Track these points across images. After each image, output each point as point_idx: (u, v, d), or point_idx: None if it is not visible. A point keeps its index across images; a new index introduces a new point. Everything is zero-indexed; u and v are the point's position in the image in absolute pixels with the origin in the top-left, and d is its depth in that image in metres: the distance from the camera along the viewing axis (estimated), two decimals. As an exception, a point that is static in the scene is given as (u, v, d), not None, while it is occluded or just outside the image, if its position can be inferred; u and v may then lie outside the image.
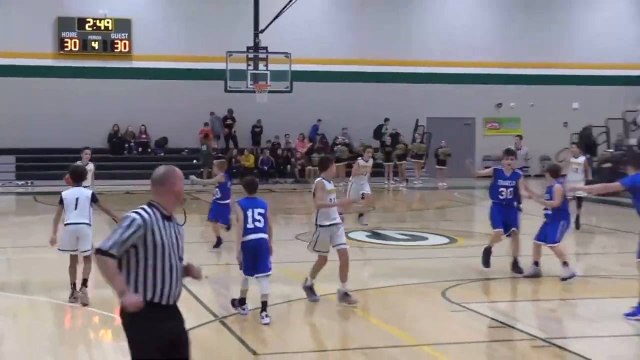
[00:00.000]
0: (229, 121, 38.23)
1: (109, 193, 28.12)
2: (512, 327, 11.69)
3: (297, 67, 32.83)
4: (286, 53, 31.78)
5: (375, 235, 21.35)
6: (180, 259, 6.81)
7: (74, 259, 12.29)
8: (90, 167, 18.76)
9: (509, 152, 15.80)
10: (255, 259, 11.77)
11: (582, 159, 23.04)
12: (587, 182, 22.17)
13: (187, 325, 10.88)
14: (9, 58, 35.59)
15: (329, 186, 12.83)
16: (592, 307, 13.48)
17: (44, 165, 33.77)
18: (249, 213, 11.67)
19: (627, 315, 12.21)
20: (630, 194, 12.73)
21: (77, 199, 12.00)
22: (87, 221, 12.19)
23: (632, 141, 35.54)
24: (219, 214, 18.10)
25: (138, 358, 6.53)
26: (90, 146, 35.49)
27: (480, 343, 10.93)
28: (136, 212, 6.59)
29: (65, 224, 12.12)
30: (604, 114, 37.44)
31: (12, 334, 11.15)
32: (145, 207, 6.68)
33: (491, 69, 40.92)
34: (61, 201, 12.10)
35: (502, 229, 15.10)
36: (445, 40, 40.30)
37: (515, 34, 41.12)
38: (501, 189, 15.03)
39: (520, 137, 30.14)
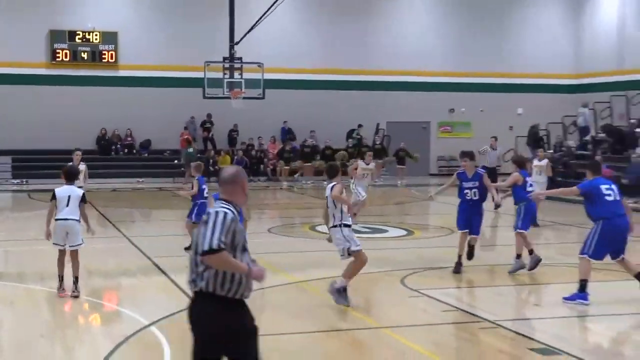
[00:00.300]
0: (207, 125, 38.10)
1: (97, 191, 28.13)
2: (464, 311, 11.79)
3: (268, 75, 32.76)
4: (259, 63, 31.77)
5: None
6: None
7: (62, 253, 11.97)
8: (82, 167, 18.44)
9: (463, 155, 15.08)
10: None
11: (545, 161, 22.71)
12: (552, 183, 22.26)
13: (171, 310, 11.02)
14: (6, 67, 35.35)
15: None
16: (537, 293, 13.66)
17: (38, 165, 33.57)
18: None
19: (566, 299, 12.43)
20: (584, 198, 12.75)
21: (69, 197, 11.78)
22: (77, 218, 11.91)
23: (571, 142, 35.87)
24: (201, 212, 17.12)
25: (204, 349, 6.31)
26: (81, 148, 35.75)
27: (435, 325, 10.93)
28: (223, 209, 6.35)
29: (56, 219, 11.84)
30: (545, 119, 37.87)
31: (10, 320, 11.09)
32: (224, 204, 6.43)
33: (445, 77, 41.02)
34: (54, 197, 11.82)
35: (466, 230, 14.46)
36: (404, 52, 40.37)
37: (467, 46, 41.26)
38: (465, 190, 14.43)
39: (495, 138, 29.95)
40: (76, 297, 11.76)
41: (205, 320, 6.27)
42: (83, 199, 12.01)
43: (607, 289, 13.40)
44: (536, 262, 14.36)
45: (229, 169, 6.85)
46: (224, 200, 6.52)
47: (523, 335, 10.41)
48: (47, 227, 12.05)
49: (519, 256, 14.47)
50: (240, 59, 31.73)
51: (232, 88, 31.63)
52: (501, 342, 10.15)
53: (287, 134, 39.24)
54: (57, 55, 36.31)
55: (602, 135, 34.07)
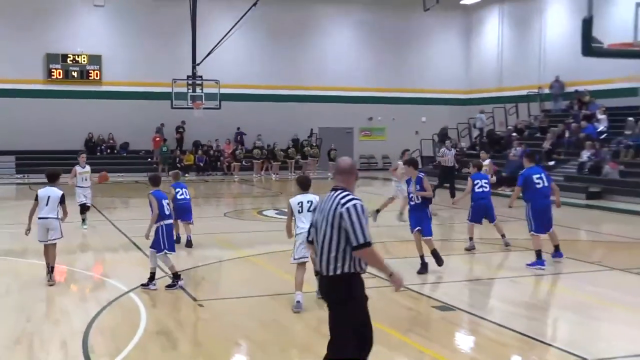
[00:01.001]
0: (180, 129, 37.71)
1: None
2: (380, 277, 11.51)
3: (224, 90, 32.62)
4: (216, 80, 31.65)
5: (282, 212, 21.42)
6: None
7: (47, 248, 11.13)
8: (87, 169, 17.42)
9: (406, 163, 13.34)
10: (171, 238, 10.84)
11: (487, 161, 20.79)
12: (498, 180, 21.73)
13: (145, 279, 10.93)
14: (10, 83, 34.75)
15: None
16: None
17: (37, 163, 32.92)
18: (164, 202, 10.75)
19: (528, 265, 12.61)
20: (523, 189, 13.02)
21: (48, 197, 10.98)
22: (55, 216, 11.02)
23: (463, 143, 36.32)
24: (179, 214, 14.70)
25: (353, 323, 5.71)
26: (71, 149, 35.53)
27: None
28: (356, 200, 5.69)
29: (38, 218, 10.98)
30: (443, 125, 38.18)
31: (14, 287, 11.01)
32: (349, 194, 5.77)
33: (364, 92, 41.03)
34: (36, 198, 11.04)
35: (418, 229, 12.12)
36: (331, 72, 40.35)
37: (381, 67, 41.33)
38: (410, 195, 12.18)
39: (450, 140, 27.90)
40: (52, 285, 10.84)
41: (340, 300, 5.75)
42: (62, 200, 11.13)
43: (495, 259, 13.77)
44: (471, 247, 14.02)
45: (346, 160, 6.19)
46: (341, 187, 5.90)
47: (427, 295, 10.66)
48: (29, 223, 11.08)
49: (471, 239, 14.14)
50: (200, 77, 31.61)
51: (194, 100, 31.54)
52: (409, 302, 10.25)
53: (238, 138, 39.13)
54: (52, 73, 35.73)
55: (485, 139, 34.75)
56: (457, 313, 9.66)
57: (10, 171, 33.78)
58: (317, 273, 8.45)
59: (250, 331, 8.79)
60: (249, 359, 7.85)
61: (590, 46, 9.45)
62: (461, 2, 40.93)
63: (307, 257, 9.53)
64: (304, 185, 10.38)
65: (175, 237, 13.00)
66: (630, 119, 28.35)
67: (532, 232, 12.81)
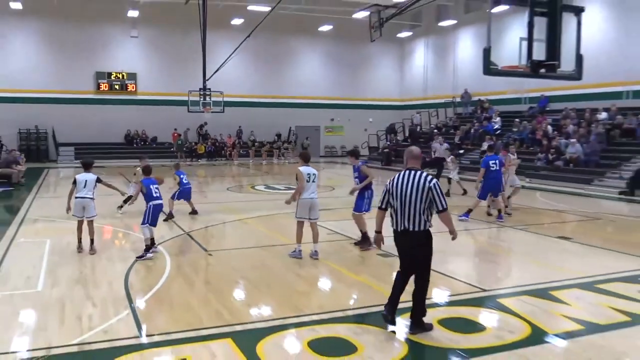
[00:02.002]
0: (204, 128, 37.55)
1: (127, 167, 27.50)
2: (338, 233, 11.51)
3: (227, 98, 32.30)
4: (220, 91, 31.34)
5: (269, 187, 21.45)
6: None
7: (80, 223, 10.04)
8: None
9: (348, 153, 11.25)
10: (156, 216, 9.86)
11: (451, 157, 19.70)
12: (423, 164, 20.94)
13: (170, 236, 10.85)
14: (72, 94, 34.35)
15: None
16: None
17: (89, 151, 32.55)
18: (152, 187, 9.85)
19: (459, 217, 12.83)
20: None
21: (85, 181, 10.01)
22: (91, 196, 10.01)
23: (399, 137, 36.48)
24: (182, 195, 13.90)
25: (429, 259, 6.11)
26: (114, 142, 35.32)
27: (322, 242, 10.21)
28: (435, 179, 5.95)
29: (76, 197, 9.95)
30: (385, 124, 38.40)
31: (75, 243, 10.55)
32: (428, 174, 5.97)
33: (328, 100, 40.99)
34: (74, 182, 10.05)
35: (363, 211, 10.44)
36: (304, 84, 40.23)
37: (340, 82, 41.25)
38: (356, 179, 10.43)
39: (440, 135, 25.68)
40: (93, 254, 9.82)
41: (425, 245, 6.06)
42: (98, 180, 10.20)
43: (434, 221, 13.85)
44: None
45: (415, 149, 6.24)
46: (415, 168, 6.05)
47: (375, 248, 10.50)
48: (68, 203, 10.01)
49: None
50: (209, 89, 31.24)
51: (205, 106, 31.23)
52: (359, 252, 10.20)
53: (237, 133, 38.90)
54: (100, 86, 35.20)
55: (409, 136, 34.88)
56: (394, 259, 9.43)
57: (71, 157, 33.29)
58: (361, 242, 9.86)
59: (246, 272, 8.79)
60: (245, 292, 7.88)
61: (489, 68, 9.52)
62: (397, 36, 40.92)
63: (306, 218, 9.49)
64: (306, 158, 9.75)
65: (168, 213, 13.00)
66: (517, 120, 28.73)
67: (477, 197, 13.19)
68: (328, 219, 12.90)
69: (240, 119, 38.31)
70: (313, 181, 9.47)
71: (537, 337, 6.05)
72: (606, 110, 25.01)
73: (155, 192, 9.90)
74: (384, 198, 6.21)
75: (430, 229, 6.02)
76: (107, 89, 35.51)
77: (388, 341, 5.91)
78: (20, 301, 7.28)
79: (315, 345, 5.77)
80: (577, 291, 7.71)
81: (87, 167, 10.36)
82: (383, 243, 6.43)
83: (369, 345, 5.76)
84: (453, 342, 5.86)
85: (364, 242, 10.34)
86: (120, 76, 35.80)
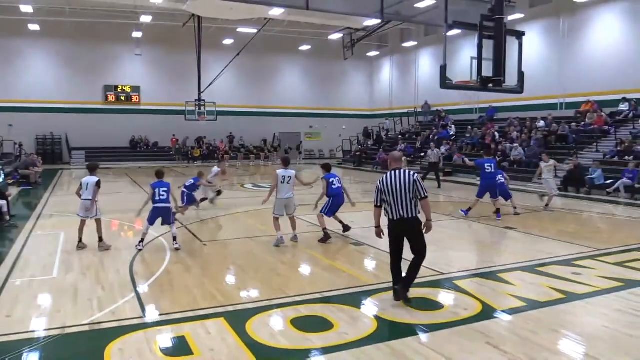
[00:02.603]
0: (202, 138, 37.11)
1: (132, 168, 27.34)
2: (317, 225, 11.20)
3: (219, 108, 32.13)
4: (214, 102, 31.17)
5: (257, 186, 21.29)
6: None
7: (83, 222, 9.45)
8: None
9: (322, 167, 10.55)
10: (159, 216, 9.33)
11: (551, 162, 15.97)
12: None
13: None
14: (82, 104, 33.87)
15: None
16: (355, 219, 12.97)
17: (98, 155, 32.18)
18: (157, 190, 9.30)
19: (463, 211, 12.65)
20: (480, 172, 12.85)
21: (87, 184, 9.48)
22: (91, 198, 9.38)
23: (369, 142, 36.55)
24: (189, 200, 13.20)
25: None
26: (120, 146, 34.82)
27: (301, 234, 10.51)
28: (417, 174, 6.24)
29: (81, 199, 9.52)
30: (356, 130, 38.44)
31: (89, 234, 10.28)
32: (411, 171, 6.25)
33: (307, 110, 40.87)
34: (80, 185, 9.62)
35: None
36: (287, 96, 40.08)
37: (318, 94, 41.14)
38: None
39: (434, 142, 25.20)
40: (106, 249, 9.29)
41: (418, 228, 6.22)
42: (98, 185, 9.51)
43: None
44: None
45: (397, 153, 6.50)
46: (399, 168, 6.25)
47: (346, 237, 10.54)
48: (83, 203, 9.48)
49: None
50: (204, 100, 31.06)
51: (200, 115, 31.04)
52: (335, 242, 10.16)
53: (228, 139, 38.62)
54: (108, 98, 34.77)
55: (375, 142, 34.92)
56: (365, 247, 9.64)
57: (82, 160, 32.75)
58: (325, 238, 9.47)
59: (236, 259, 8.74)
60: (236, 277, 7.83)
61: (445, 82, 9.58)
62: (367, 55, 40.95)
63: (282, 214, 9.55)
64: (286, 162, 9.66)
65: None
66: (469, 127, 28.99)
67: (476, 197, 12.90)
68: (307, 213, 12.76)
69: (231, 126, 38.06)
70: (288, 182, 9.42)
71: (487, 313, 6.10)
72: (544, 119, 25.39)
73: (161, 196, 9.34)
74: (377, 197, 6.29)
75: (418, 215, 6.21)
76: (114, 100, 35.02)
77: (359, 318, 5.92)
78: (38, 286, 7.17)
79: (298, 322, 5.76)
80: (520, 273, 7.80)
81: (91, 170, 9.81)
82: (383, 234, 6.52)
83: (343, 322, 5.76)
84: (416, 319, 5.89)
85: (325, 238, 9.87)
86: (126, 89, 35.35)
